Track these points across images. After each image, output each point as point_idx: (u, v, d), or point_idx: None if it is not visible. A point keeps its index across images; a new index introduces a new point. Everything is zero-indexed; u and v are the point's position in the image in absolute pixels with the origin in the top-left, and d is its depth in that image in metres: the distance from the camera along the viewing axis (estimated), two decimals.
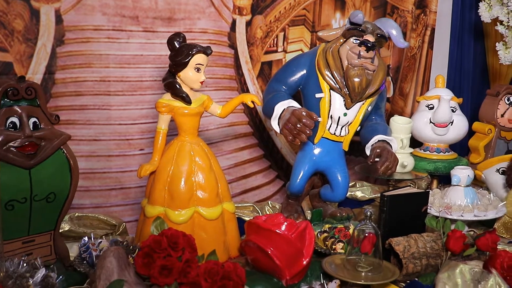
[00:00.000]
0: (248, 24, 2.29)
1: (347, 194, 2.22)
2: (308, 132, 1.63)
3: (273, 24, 2.34)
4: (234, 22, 2.26)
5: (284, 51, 2.37)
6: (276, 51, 2.36)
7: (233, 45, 2.27)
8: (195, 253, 1.36)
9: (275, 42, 2.35)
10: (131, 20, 2.06)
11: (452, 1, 2.81)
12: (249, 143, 2.36)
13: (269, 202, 2.14)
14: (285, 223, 1.52)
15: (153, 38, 2.09)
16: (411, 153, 2.11)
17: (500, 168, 2.10)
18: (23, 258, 1.34)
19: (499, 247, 1.74)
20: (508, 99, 2.29)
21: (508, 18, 2.28)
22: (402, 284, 1.58)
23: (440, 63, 2.83)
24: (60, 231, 1.71)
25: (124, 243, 1.59)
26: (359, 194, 2.30)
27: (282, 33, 2.36)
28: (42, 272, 1.32)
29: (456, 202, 1.88)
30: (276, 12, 2.34)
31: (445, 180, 2.22)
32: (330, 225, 1.79)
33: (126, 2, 2.04)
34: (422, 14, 2.74)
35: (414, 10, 2.70)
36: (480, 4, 2.34)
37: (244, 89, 2.31)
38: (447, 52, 2.85)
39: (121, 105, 2.10)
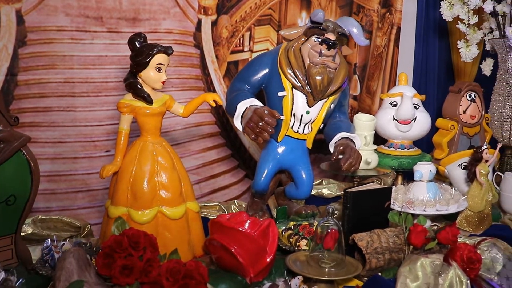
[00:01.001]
0: (214, 24, 2.29)
1: (314, 192, 2.25)
2: (270, 130, 1.64)
3: (239, 23, 2.35)
4: (199, 22, 2.26)
5: (250, 50, 2.38)
6: (242, 51, 2.37)
7: (198, 45, 2.27)
8: (157, 253, 1.36)
9: (241, 41, 2.36)
10: (95, 21, 2.04)
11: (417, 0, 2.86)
12: (216, 143, 2.36)
13: (236, 201, 2.14)
14: (248, 221, 1.53)
15: (118, 39, 2.08)
16: (375, 150, 2.14)
17: (462, 163, 2.14)
18: None
19: (460, 240, 1.78)
20: (470, 96, 2.33)
21: (468, 17, 2.34)
22: (366, 279, 1.60)
23: (406, 61, 2.87)
24: (23, 234, 1.69)
25: (88, 244, 1.58)
26: (325, 191, 2.32)
27: (248, 32, 2.37)
28: (1, 276, 1.31)
29: (419, 197, 1.91)
30: (242, 12, 2.35)
31: (410, 176, 2.25)
32: (295, 223, 1.80)
33: (90, 3, 2.03)
34: (388, 13, 2.77)
35: (379, 9, 2.73)
36: (442, 3, 2.39)
37: (210, 89, 2.32)
38: (413, 50, 2.89)
39: (86, 107, 2.08)
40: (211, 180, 2.36)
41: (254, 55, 2.36)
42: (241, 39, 2.36)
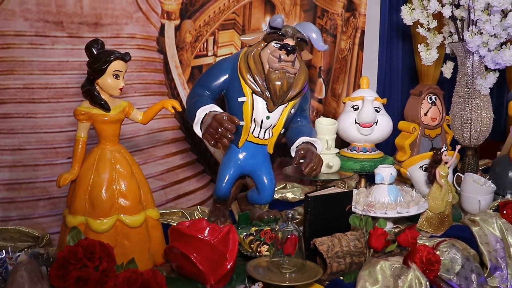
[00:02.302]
0: (177, 28, 2.28)
1: (278, 196, 2.26)
2: (229, 136, 1.64)
3: (203, 28, 2.34)
4: (162, 27, 2.25)
5: (214, 55, 2.38)
6: (206, 55, 2.37)
7: (162, 50, 2.26)
8: (113, 263, 1.35)
9: (205, 46, 2.36)
10: (55, 26, 2.02)
11: (380, 3, 2.90)
12: (181, 148, 2.35)
13: (199, 207, 2.13)
14: (208, 228, 1.52)
15: (79, 44, 2.06)
16: (337, 153, 2.15)
17: (423, 165, 2.17)
18: None
19: (421, 241, 1.80)
20: (431, 98, 2.37)
21: (428, 21, 2.37)
22: (328, 283, 1.61)
23: (371, 64, 2.91)
24: None
25: (45, 255, 1.55)
26: (289, 195, 2.32)
27: (212, 37, 2.37)
28: None
29: (380, 200, 1.93)
30: (206, 16, 2.34)
31: (373, 179, 2.27)
32: (256, 228, 1.80)
33: (50, 7, 2.00)
34: (352, 17, 2.80)
35: (343, 13, 2.76)
36: (402, 7, 2.42)
37: (174, 94, 2.30)
38: (377, 54, 2.93)
39: (46, 113, 2.06)
40: (175, 185, 2.35)
41: (218, 59, 2.36)
42: (205, 43, 2.36)
